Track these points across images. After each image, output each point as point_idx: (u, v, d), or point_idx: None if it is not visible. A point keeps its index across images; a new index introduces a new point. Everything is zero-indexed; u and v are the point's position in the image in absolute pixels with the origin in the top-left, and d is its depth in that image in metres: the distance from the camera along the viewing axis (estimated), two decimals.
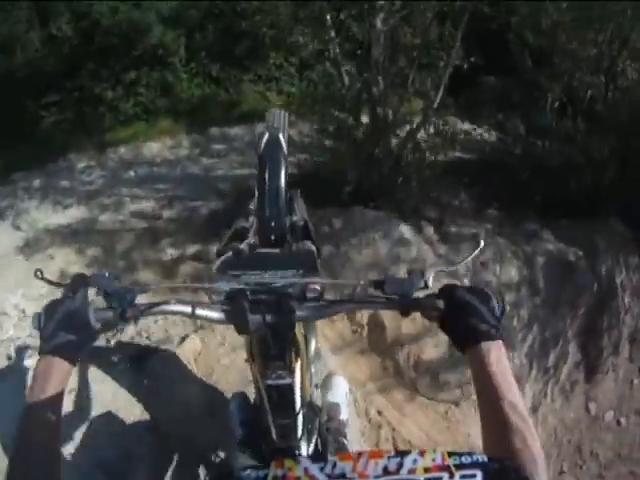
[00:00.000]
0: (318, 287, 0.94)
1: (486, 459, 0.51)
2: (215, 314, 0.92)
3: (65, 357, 0.83)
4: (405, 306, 0.92)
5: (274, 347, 1.06)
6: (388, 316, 2.79)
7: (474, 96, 5.14)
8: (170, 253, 3.59)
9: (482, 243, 1.01)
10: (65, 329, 0.82)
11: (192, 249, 3.59)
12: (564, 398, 3.67)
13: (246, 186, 4.31)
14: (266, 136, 1.15)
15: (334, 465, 0.51)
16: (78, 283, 0.89)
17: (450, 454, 0.52)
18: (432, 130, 3.95)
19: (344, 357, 2.85)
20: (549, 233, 3.72)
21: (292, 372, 1.18)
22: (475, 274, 3.13)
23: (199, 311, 0.91)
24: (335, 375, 2.10)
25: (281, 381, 1.17)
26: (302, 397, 1.36)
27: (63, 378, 0.83)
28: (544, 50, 4.84)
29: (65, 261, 3.52)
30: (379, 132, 3.63)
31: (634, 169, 4.52)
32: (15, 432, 0.77)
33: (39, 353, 0.84)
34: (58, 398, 0.81)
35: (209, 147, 5.20)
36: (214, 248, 3.17)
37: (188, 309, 0.91)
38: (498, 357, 0.84)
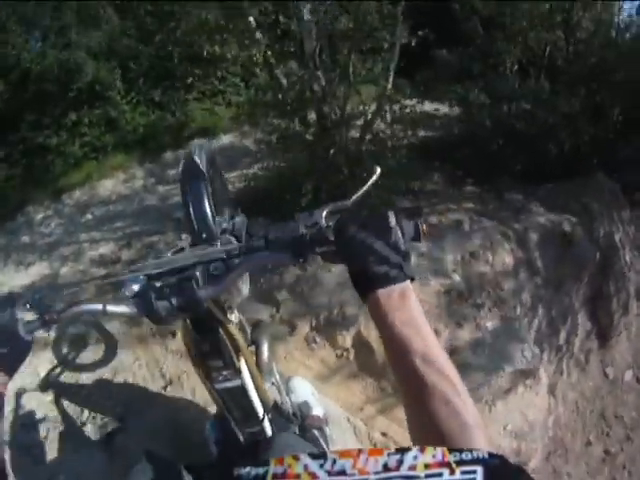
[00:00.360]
0: (222, 264, 0.88)
1: (486, 455, 0.49)
2: (126, 309, 0.87)
3: (1, 369, 0.86)
4: (294, 251, 0.78)
5: (205, 343, 1.05)
6: (372, 335, 2.38)
7: (430, 74, 4.76)
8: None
9: (378, 169, 0.91)
10: None
11: None
12: (580, 370, 3.38)
13: None
14: (181, 163, 1.10)
15: (334, 462, 0.50)
16: (6, 301, 0.87)
17: (450, 450, 0.50)
18: (389, 118, 3.57)
19: (333, 385, 2.44)
20: (537, 205, 3.32)
21: (238, 372, 1.13)
22: (465, 266, 2.73)
23: (110, 308, 0.88)
24: (294, 377, 1.99)
25: (229, 384, 1.12)
26: (263, 402, 1.29)
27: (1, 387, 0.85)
28: (493, 14, 4.49)
29: None
30: (329, 131, 3.20)
31: (606, 120, 4.20)
32: None
33: None
34: None
35: (164, 174, 4.82)
36: None
37: (99, 307, 0.89)
38: (402, 303, 0.66)
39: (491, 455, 0.49)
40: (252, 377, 1.21)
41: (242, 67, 4.60)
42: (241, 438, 1.33)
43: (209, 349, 1.06)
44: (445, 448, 0.50)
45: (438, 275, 2.64)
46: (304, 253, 0.78)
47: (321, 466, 0.49)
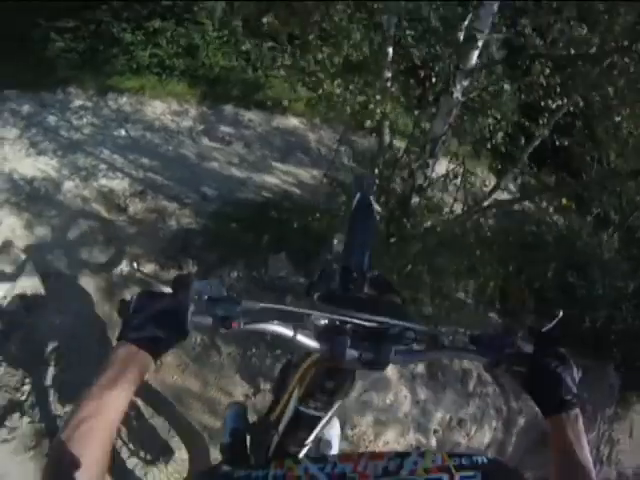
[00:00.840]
0: (413, 334, 0.88)
1: (485, 460, 0.50)
2: (313, 342, 0.87)
3: (148, 350, 0.75)
4: (494, 360, 0.87)
5: (331, 382, 1.05)
6: None
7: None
8: (121, 267, 2.92)
9: (561, 313, 0.96)
10: (156, 324, 0.76)
11: (146, 268, 2.93)
12: None
13: (233, 199, 3.64)
14: (358, 196, 1.27)
15: (334, 465, 0.49)
16: (181, 283, 0.81)
17: (450, 455, 0.50)
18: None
19: None
20: None
21: (327, 408, 1.14)
22: (444, 431, 2.57)
23: (300, 337, 0.87)
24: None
25: (313, 412, 1.14)
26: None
27: (143, 370, 0.75)
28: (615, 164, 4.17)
29: (11, 231, 3.03)
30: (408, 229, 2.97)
31: None
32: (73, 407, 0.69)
33: (119, 338, 0.76)
34: (132, 388, 0.73)
35: (216, 127, 4.36)
36: (169, 275, 2.63)
37: (290, 333, 0.87)
38: (576, 425, 0.82)
39: (490, 460, 0.50)
40: (330, 415, 1.22)
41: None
42: (272, 451, 1.32)
43: (331, 387, 1.07)
44: (445, 453, 0.50)
45: (419, 431, 2.49)
46: (499, 365, 0.87)
47: (321, 469, 0.49)
